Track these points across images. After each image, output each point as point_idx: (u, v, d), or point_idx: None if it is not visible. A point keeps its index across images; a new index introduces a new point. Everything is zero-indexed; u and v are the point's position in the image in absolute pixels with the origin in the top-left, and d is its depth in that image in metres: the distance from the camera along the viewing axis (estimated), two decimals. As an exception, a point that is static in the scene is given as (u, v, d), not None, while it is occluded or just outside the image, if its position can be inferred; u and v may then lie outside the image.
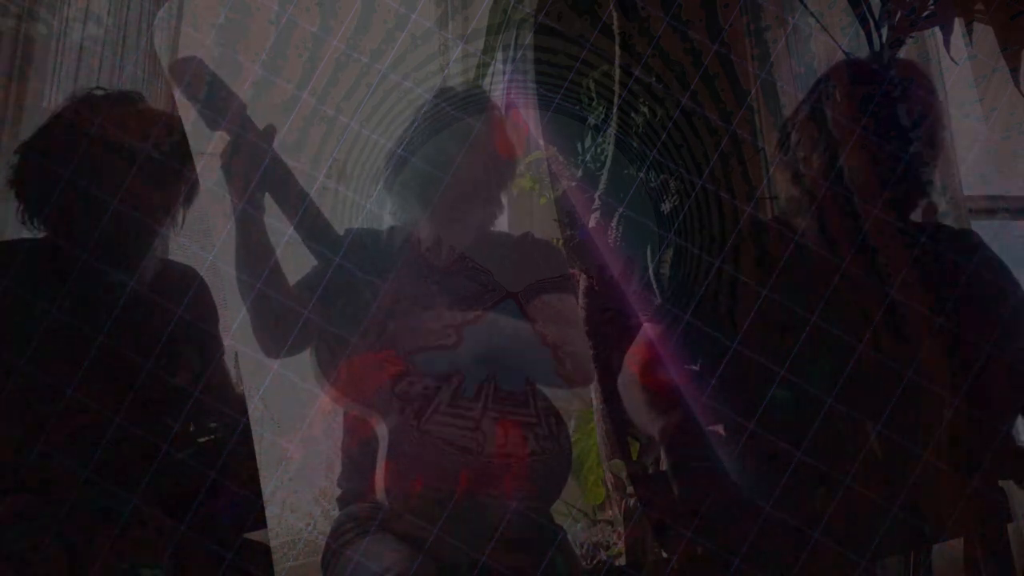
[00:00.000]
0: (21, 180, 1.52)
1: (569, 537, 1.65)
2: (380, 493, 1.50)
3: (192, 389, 1.52)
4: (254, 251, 1.52)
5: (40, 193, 1.50)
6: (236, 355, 1.61)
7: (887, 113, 1.57)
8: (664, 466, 1.65)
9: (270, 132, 1.50)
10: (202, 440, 1.54)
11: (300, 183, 1.54)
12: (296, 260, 1.60)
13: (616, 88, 1.94)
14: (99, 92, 1.56)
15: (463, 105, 1.65)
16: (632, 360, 1.66)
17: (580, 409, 2.05)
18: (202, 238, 1.63)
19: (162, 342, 1.50)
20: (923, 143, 1.58)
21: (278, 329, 1.53)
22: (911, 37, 1.96)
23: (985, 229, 1.77)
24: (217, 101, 1.46)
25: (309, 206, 1.54)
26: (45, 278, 1.49)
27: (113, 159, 1.49)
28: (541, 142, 2.04)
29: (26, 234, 1.53)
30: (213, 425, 1.55)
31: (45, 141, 1.52)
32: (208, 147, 1.52)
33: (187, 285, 1.58)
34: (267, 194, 1.52)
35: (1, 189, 1.63)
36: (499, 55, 2.06)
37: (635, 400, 1.63)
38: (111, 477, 1.44)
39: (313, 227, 1.54)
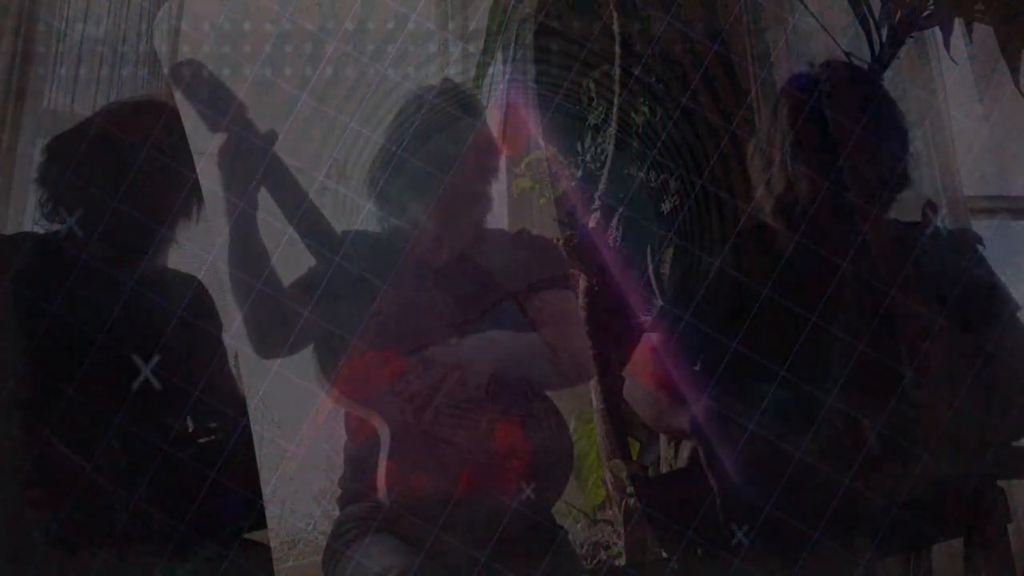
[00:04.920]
0: (48, 173, 1.53)
1: (569, 537, 1.65)
2: (381, 493, 1.50)
3: (192, 390, 1.52)
4: (250, 251, 1.52)
5: (67, 187, 1.52)
6: (236, 355, 1.61)
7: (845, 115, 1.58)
8: (678, 462, 1.65)
9: (272, 135, 1.50)
10: (202, 440, 1.54)
11: (300, 184, 1.54)
12: (295, 260, 1.60)
13: (616, 88, 1.94)
14: (127, 102, 1.58)
15: (446, 101, 1.65)
16: (640, 367, 1.66)
17: (580, 409, 2.05)
18: (202, 238, 1.64)
19: (161, 343, 1.50)
20: (886, 135, 1.59)
21: (271, 329, 1.53)
22: (911, 37, 1.96)
23: (985, 229, 1.77)
24: (217, 102, 1.46)
25: (309, 207, 1.54)
26: (51, 272, 1.50)
27: (139, 165, 1.51)
28: (541, 142, 2.03)
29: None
30: (213, 425, 1.55)
31: (78, 139, 1.54)
32: (208, 147, 1.53)
33: (187, 289, 1.59)
34: (267, 194, 1.52)
35: (1, 189, 1.64)
36: (499, 55, 2.06)
37: (654, 404, 1.63)
38: (112, 477, 1.44)
39: (313, 228, 1.54)
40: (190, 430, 1.55)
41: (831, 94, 1.58)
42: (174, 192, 1.54)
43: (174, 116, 1.52)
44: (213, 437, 1.55)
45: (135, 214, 1.50)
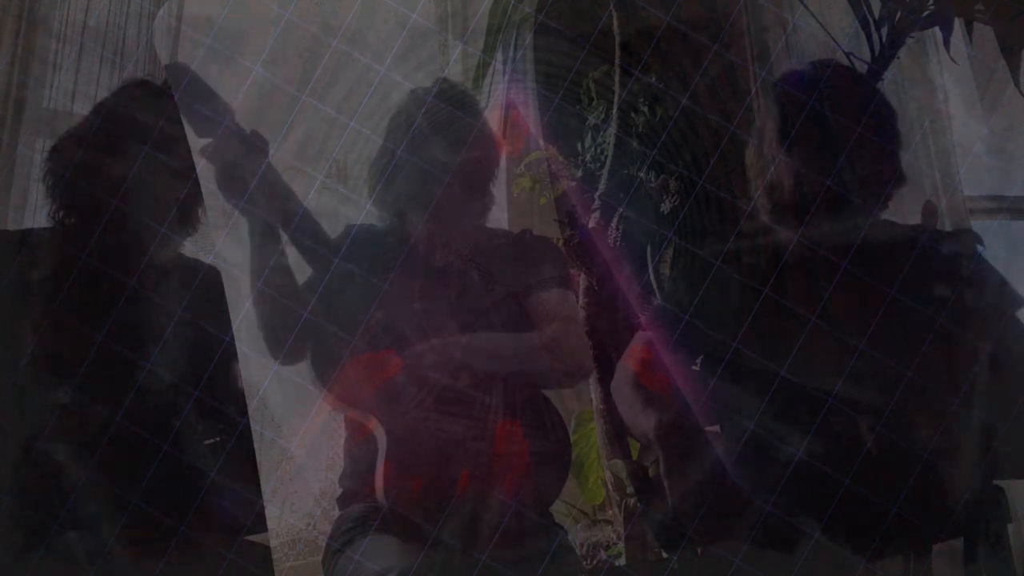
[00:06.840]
0: (54, 170, 1.53)
1: (569, 537, 1.65)
2: (380, 493, 1.50)
3: (193, 390, 1.53)
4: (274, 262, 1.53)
5: (72, 184, 1.51)
6: (236, 355, 1.61)
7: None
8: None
9: (261, 144, 1.50)
10: (208, 442, 1.54)
11: (291, 189, 1.54)
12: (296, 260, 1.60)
13: (616, 88, 1.94)
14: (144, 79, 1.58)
15: (448, 102, 1.65)
16: (630, 359, 1.66)
17: (580, 409, 2.05)
18: (201, 239, 1.63)
19: (164, 338, 1.50)
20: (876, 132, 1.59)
21: (287, 334, 1.54)
22: (911, 37, 1.96)
23: (985, 229, 1.77)
24: (206, 109, 1.46)
25: (304, 215, 1.54)
26: (57, 267, 1.50)
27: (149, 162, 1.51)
28: (541, 142, 2.03)
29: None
30: (220, 427, 1.56)
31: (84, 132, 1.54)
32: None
33: (198, 281, 1.59)
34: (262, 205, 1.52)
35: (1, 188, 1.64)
36: (499, 55, 2.06)
37: (630, 398, 1.63)
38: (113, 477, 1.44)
39: (307, 233, 1.54)
40: (196, 430, 1.55)
41: (828, 94, 1.58)
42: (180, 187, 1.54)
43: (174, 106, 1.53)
44: (219, 438, 1.56)
45: (139, 211, 1.51)
